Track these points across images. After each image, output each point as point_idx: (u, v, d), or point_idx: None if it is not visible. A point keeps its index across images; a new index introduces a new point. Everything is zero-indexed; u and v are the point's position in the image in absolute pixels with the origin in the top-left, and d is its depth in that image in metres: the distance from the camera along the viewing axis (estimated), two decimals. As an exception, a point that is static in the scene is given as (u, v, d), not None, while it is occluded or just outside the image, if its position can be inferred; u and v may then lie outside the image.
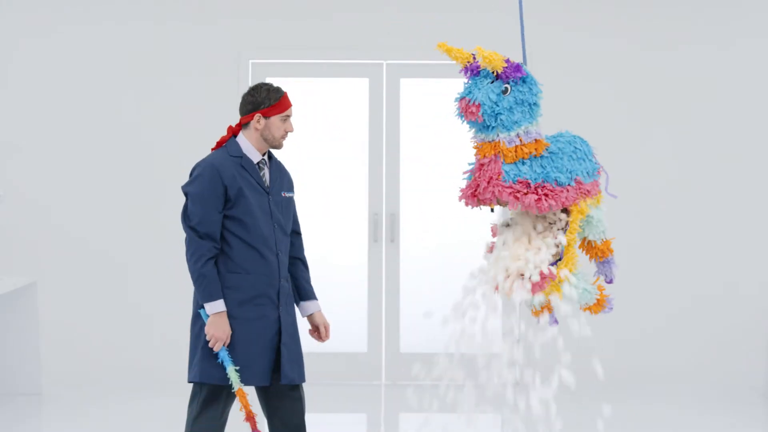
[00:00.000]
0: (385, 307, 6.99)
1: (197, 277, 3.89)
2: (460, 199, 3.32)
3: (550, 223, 3.31)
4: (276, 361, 3.97)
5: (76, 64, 6.92)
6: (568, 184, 3.19)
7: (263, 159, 4.03)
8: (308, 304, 4.18)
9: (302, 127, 7.02)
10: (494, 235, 3.47)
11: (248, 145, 4.00)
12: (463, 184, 3.32)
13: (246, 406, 3.88)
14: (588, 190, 3.24)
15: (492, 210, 3.40)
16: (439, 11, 6.93)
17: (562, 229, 3.25)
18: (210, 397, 3.92)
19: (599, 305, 3.36)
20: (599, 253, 3.39)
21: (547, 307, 3.51)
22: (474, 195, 3.26)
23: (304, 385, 4.12)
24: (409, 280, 7.00)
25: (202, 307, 3.91)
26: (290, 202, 4.11)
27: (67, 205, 6.92)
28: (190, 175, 3.98)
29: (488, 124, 3.16)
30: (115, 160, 6.93)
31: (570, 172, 3.21)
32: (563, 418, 6.14)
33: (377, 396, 6.68)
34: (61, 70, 6.92)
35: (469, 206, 3.34)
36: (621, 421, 5.95)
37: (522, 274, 3.23)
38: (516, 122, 3.17)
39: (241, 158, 3.97)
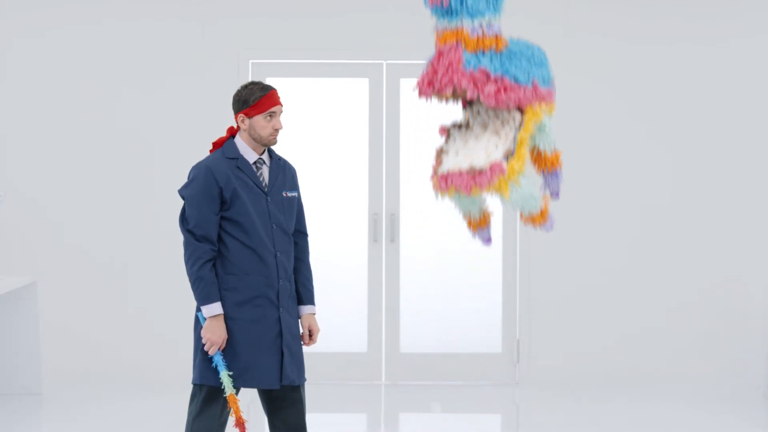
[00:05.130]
0: (385, 307, 6.99)
1: (194, 280, 3.88)
2: (415, 88, 3.21)
3: (503, 123, 3.24)
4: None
5: (75, 64, 6.92)
6: (526, 85, 3.14)
7: (260, 158, 4.02)
8: (301, 308, 4.14)
9: (302, 128, 7.02)
10: (446, 136, 3.34)
11: (244, 145, 4.00)
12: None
13: (236, 411, 3.88)
14: (544, 96, 3.18)
15: (447, 101, 3.32)
16: (439, 11, 6.92)
17: (516, 128, 3.16)
18: (209, 398, 3.92)
19: (542, 217, 3.22)
20: (548, 165, 3.30)
21: (484, 218, 3.38)
22: (431, 84, 3.19)
23: (305, 385, 4.12)
24: (409, 280, 7.01)
25: (200, 310, 3.91)
26: (292, 201, 4.08)
27: (67, 205, 6.93)
28: (187, 178, 3.98)
29: (454, 8, 3.11)
30: (115, 160, 6.93)
31: (528, 74, 3.15)
32: (563, 418, 6.19)
33: (377, 396, 6.69)
34: (60, 70, 6.92)
35: (423, 97, 3.25)
36: (621, 421, 5.95)
37: (474, 169, 3.10)
38: (480, 12, 3.13)
39: (237, 159, 3.96)
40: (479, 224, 3.38)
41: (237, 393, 3.93)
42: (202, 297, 3.88)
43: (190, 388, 4.03)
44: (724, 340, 6.95)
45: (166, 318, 6.90)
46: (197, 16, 6.93)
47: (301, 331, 4.12)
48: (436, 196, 3.25)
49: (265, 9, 6.94)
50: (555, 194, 3.34)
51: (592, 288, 6.96)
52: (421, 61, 7.07)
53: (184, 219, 3.95)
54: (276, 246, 3.97)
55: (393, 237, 6.99)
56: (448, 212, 6.96)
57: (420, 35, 6.92)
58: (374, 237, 6.99)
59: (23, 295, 6.46)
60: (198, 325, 3.95)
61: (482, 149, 3.17)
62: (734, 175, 6.97)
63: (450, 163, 3.20)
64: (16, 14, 6.93)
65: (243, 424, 3.90)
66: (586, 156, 6.96)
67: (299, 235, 4.14)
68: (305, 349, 4.20)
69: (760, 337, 6.86)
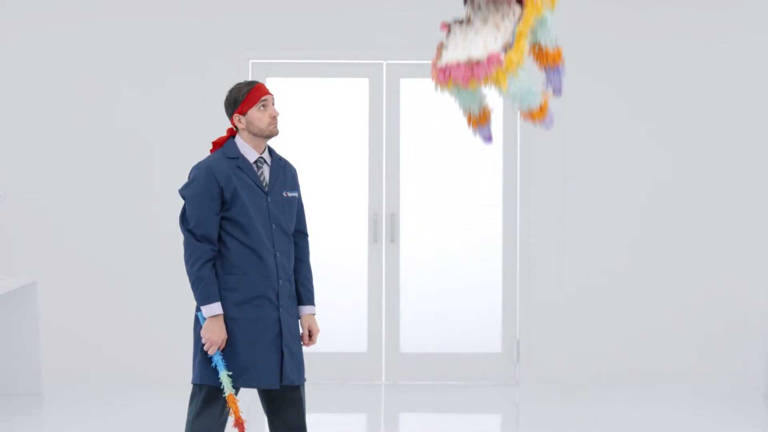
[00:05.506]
0: (385, 307, 6.99)
1: (194, 280, 3.88)
2: None
3: (503, 17, 3.22)
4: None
5: (75, 64, 6.92)
6: None
7: (261, 157, 4.01)
8: (301, 309, 4.13)
9: (302, 128, 7.02)
10: (447, 31, 3.31)
11: (244, 144, 3.99)
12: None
13: (236, 411, 3.87)
14: None
15: None
16: (439, 11, 6.92)
17: (516, 22, 3.13)
18: (209, 397, 3.92)
19: (542, 113, 3.18)
20: (550, 60, 3.26)
21: (484, 114, 3.36)
22: None
23: (305, 385, 4.12)
24: (409, 280, 7.01)
25: (200, 310, 3.91)
26: (292, 201, 4.08)
27: (67, 205, 6.93)
28: (188, 178, 3.98)
29: None
30: (115, 160, 6.93)
31: None
32: (563, 418, 6.18)
33: (377, 396, 6.69)
34: (60, 69, 6.92)
35: None
36: (620, 421, 5.95)
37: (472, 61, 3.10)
38: None
39: (238, 159, 3.96)
40: (479, 121, 3.36)
41: (237, 393, 3.93)
42: (202, 297, 3.88)
43: (189, 388, 4.03)
44: (724, 340, 6.95)
45: (166, 318, 6.90)
46: (197, 16, 6.93)
47: (300, 331, 4.12)
48: (436, 89, 3.24)
49: (265, 9, 6.95)
50: (557, 91, 3.30)
51: (592, 288, 6.96)
52: (421, 61, 7.11)
53: (184, 219, 3.95)
54: (276, 246, 3.97)
55: (393, 237, 6.99)
56: (448, 212, 7.00)
57: (420, 35, 6.95)
58: (374, 237, 6.99)
59: (23, 295, 6.46)
60: (198, 325, 3.95)
61: (481, 42, 3.15)
62: (734, 176, 6.97)
63: (449, 56, 3.18)
64: (16, 14, 6.93)
65: (242, 424, 3.90)
66: (586, 156, 6.96)
67: (299, 235, 4.14)
68: (305, 349, 4.19)
69: (760, 337, 6.86)
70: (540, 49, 3.26)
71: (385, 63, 6.99)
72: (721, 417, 6.04)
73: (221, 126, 6.66)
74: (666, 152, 6.98)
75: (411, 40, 6.92)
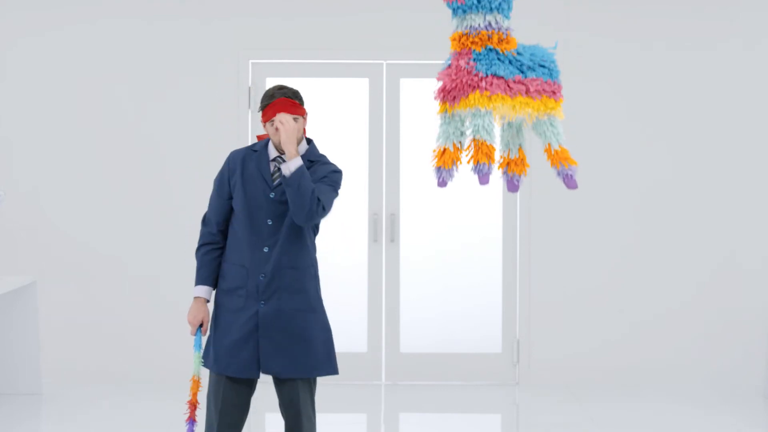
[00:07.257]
0: (385, 307, 6.99)
1: (196, 261, 4.08)
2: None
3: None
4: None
5: (76, 64, 6.92)
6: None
7: (280, 158, 4.01)
8: None
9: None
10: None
11: (271, 143, 4.07)
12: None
13: (193, 395, 4.04)
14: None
15: None
16: (439, 11, 6.92)
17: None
18: (211, 384, 4.05)
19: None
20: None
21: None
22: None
23: (312, 384, 4.09)
24: (409, 280, 7.01)
25: None
26: None
27: (67, 204, 6.93)
28: None
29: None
30: (116, 160, 6.93)
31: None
32: (563, 418, 6.18)
33: (377, 396, 6.69)
34: (61, 69, 6.93)
35: None
36: (621, 421, 5.95)
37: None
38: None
39: (258, 152, 4.02)
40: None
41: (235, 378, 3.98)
42: (195, 278, 4.06)
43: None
44: (724, 340, 6.95)
45: (167, 318, 6.90)
46: (197, 16, 6.93)
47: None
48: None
49: (265, 9, 6.94)
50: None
51: (592, 288, 6.96)
52: (421, 61, 7.11)
53: None
54: (266, 240, 3.97)
55: (393, 237, 6.99)
56: (448, 212, 7.00)
57: (420, 35, 6.95)
58: (374, 237, 6.99)
59: (23, 295, 6.46)
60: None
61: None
62: (733, 176, 6.97)
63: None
64: (18, 14, 6.93)
65: (194, 405, 4.04)
66: (585, 157, 6.96)
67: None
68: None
69: (760, 337, 6.86)
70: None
71: (385, 63, 6.99)
72: (721, 417, 6.04)
73: (220, 125, 6.68)
74: (665, 153, 6.98)
75: (411, 40, 6.92)
